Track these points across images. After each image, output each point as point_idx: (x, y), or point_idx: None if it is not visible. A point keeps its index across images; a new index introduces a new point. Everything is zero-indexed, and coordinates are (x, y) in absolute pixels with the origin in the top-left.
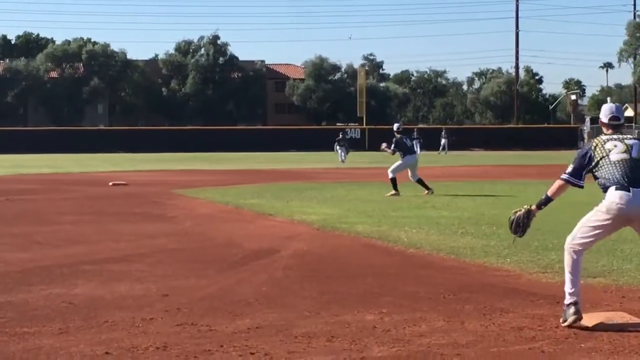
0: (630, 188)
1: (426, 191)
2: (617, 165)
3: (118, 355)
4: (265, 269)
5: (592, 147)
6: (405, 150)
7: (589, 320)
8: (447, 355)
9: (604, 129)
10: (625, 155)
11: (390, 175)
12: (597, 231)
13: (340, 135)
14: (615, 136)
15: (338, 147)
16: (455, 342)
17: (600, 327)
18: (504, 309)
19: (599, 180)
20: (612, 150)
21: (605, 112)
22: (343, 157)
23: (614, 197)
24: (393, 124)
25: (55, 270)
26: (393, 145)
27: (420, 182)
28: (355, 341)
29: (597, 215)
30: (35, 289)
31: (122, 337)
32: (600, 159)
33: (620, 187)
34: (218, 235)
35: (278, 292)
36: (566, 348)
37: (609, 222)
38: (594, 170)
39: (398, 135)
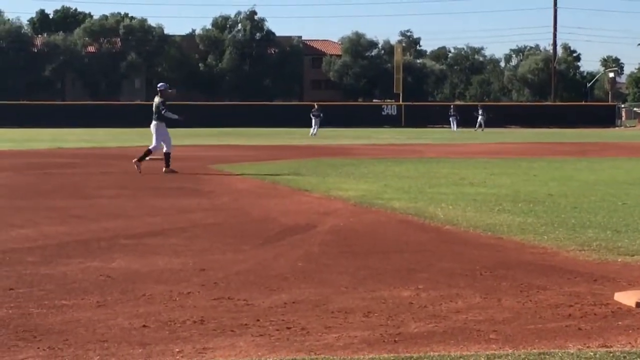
0: None
1: (138, 161)
2: None
3: (156, 328)
4: (302, 244)
5: None
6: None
7: (627, 298)
8: (484, 332)
9: None
10: None
11: (168, 150)
12: None
13: (316, 106)
14: None
15: (313, 119)
16: (492, 319)
17: (639, 305)
18: (540, 286)
19: None
20: None
21: None
22: (315, 131)
23: None
24: (160, 84)
25: (93, 244)
26: (164, 108)
27: (167, 156)
28: (392, 317)
29: None
30: (74, 262)
31: (159, 311)
32: None
33: None
34: (254, 210)
35: (314, 267)
36: (603, 326)
37: None
38: None
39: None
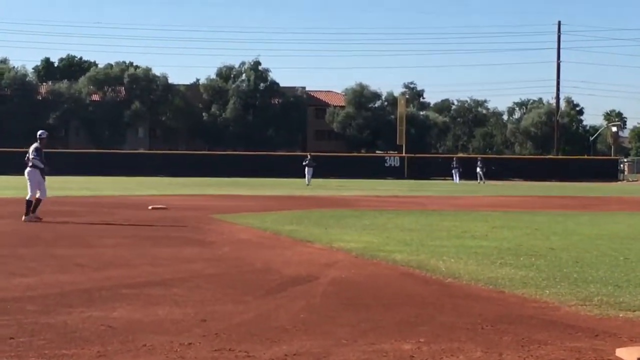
0: None
1: (26, 217)
2: None
3: None
4: (303, 295)
5: None
6: (44, 163)
7: (628, 354)
8: None
9: None
10: None
11: (42, 197)
12: None
13: (309, 156)
14: None
15: (307, 168)
16: None
17: None
18: (542, 341)
19: None
20: None
21: None
22: (308, 181)
23: None
24: (40, 131)
25: (95, 293)
26: (36, 155)
27: (29, 204)
28: None
29: None
30: (75, 312)
31: None
32: None
33: None
34: (256, 261)
35: (316, 319)
36: None
37: None
38: None
39: (38, 144)
